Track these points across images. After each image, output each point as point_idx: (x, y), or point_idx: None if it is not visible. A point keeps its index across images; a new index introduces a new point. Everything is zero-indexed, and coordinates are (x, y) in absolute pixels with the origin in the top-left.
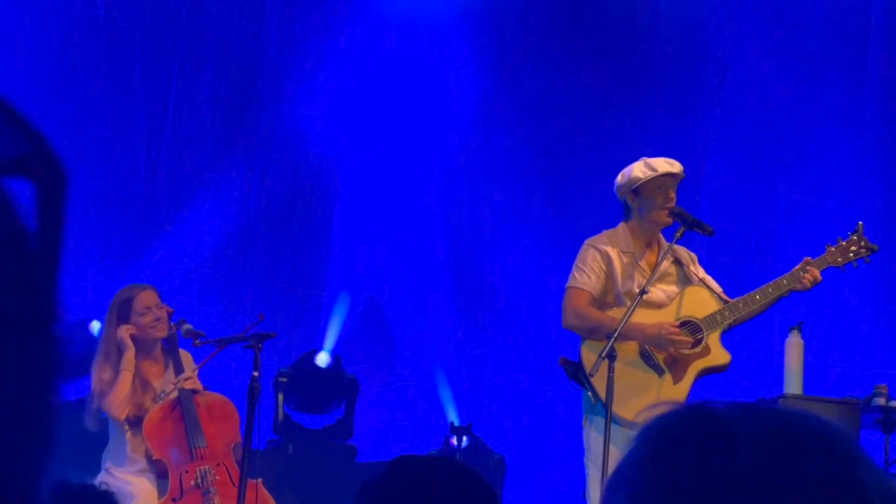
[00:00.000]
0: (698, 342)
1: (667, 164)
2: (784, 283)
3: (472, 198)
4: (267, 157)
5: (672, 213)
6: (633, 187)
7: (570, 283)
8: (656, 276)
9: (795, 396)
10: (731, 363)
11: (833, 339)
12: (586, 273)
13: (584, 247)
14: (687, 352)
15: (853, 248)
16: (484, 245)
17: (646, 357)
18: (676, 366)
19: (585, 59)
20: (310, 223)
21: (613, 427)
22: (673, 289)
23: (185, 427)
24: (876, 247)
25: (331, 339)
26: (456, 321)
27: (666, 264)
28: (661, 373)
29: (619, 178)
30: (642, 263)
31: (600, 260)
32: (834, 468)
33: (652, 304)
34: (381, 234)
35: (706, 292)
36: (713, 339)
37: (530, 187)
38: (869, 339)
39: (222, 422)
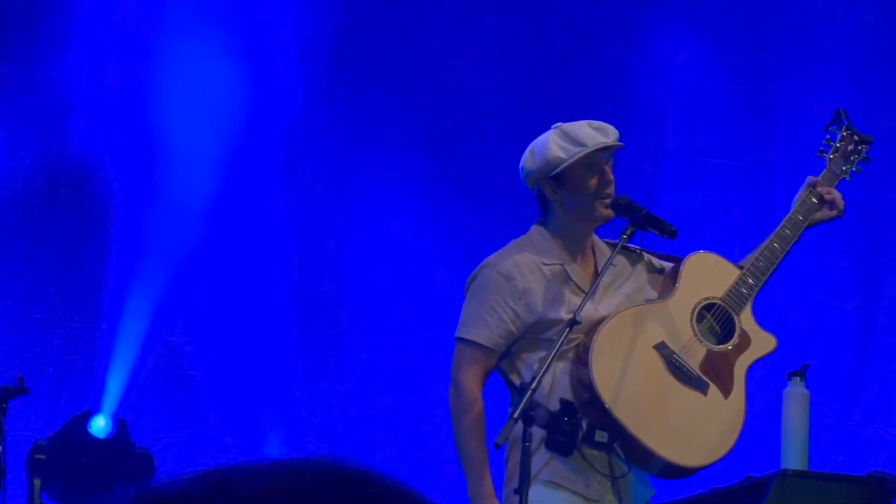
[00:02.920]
0: (730, 331)
1: (596, 133)
2: (800, 218)
3: (323, 198)
4: (15, 134)
5: (616, 206)
6: (553, 172)
7: (460, 331)
8: (598, 293)
9: (799, 474)
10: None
11: (851, 388)
12: (482, 316)
13: (480, 272)
14: (721, 348)
15: (850, 146)
16: (341, 263)
17: (679, 372)
18: (719, 371)
19: None
20: (81, 229)
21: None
22: (623, 293)
23: None
24: (871, 137)
25: (112, 396)
26: (299, 371)
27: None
28: (704, 388)
29: (528, 161)
30: (575, 277)
31: (506, 292)
32: None
33: (593, 322)
34: (185, 245)
35: (712, 256)
36: (747, 319)
37: (409, 178)
38: None
39: None
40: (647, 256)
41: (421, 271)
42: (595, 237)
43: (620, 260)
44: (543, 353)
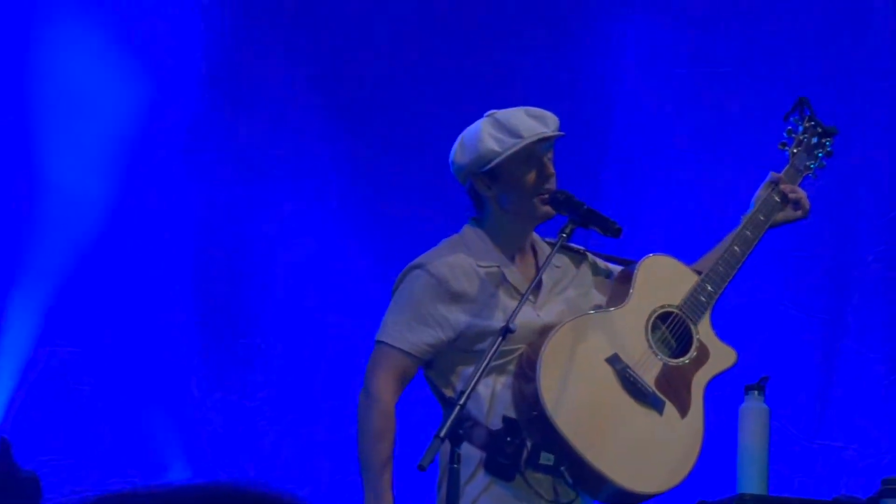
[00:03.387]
0: (686, 343)
1: (534, 122)
2: (761, 218)
3: (229, 189)
4: None
5: (554, 202)
6: (486, 167)
7: (381, 334)
8: (539, 297)
9: (757, 499)
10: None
11: (816, 403)
12: (408, 320)
13: (409, 273)
14: (678, 362)
15: (813, 139)
16: (248, 262)
17: (633, 388)
18: (675, 388)
19: None
20: None
21: None
22: (566, 298)
23: None
24: (835, 129)
25: None
26: (202, 384)
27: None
28: (660, 406)
29: (458, 154)
30: (514, 280)
31: (438, 296)
32: None
33: (534, 330)
34: (73, 244)
35: (668, 259)
36: (705, 331)
37: (326, 167)
38: (874, 404)
39: None
40: (591, 258)
41: (340, 269)
42: (535, 236)
43: (563, 261)
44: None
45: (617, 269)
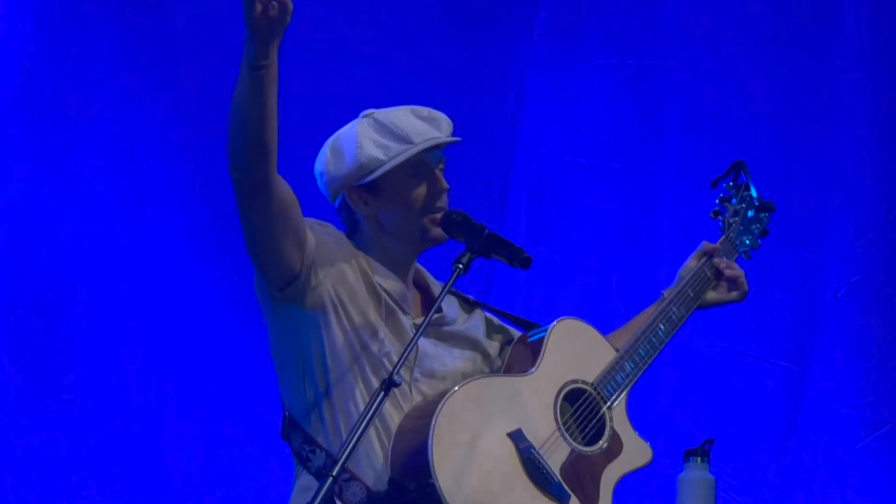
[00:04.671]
0: (598, 428)
1: (424, 124)
2: (690, 294)
3: (48, 181)
4: None
5: (448, 224)
6: (367, 179)
7: None
8: (436, 334)
9: None
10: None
11: (774, 470)
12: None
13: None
14: (588, 451)
15: (749, 212)
16: (74, 282)
17: (537, 473)
18: (582, 481)
19: None
20: None
21: None
22: (459, 350)
23: None
24: (772, 204)
25: None
26: (15, 452)
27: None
28: (565, 499)
29: (330, 163)
30: (398, 312)
31: (333, 245)
32: None
33: (436, 377)
34: None
35: (585, 327)
36: (620, 418)
37: (169, 161)
38: (846, 471)
39: None
40: (483, 312)
41: (183, 309)
42: (421, 269)
43: (452, 301)
44: (359, 399)
45: (515, 331)
